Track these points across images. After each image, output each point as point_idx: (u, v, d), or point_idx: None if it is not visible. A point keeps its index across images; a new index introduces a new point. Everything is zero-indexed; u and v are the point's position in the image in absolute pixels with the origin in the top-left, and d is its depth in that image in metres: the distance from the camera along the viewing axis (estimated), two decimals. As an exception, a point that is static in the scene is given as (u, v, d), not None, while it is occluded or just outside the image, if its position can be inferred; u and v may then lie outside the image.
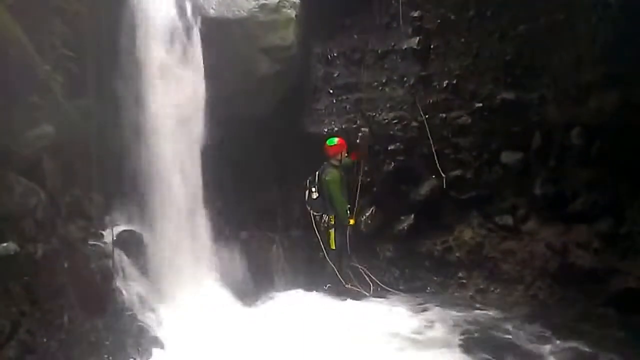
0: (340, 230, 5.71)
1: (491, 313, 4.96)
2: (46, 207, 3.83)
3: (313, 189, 5.72)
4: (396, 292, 5.68)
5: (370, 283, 5.76)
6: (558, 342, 4.18)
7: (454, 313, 4.97)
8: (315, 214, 5.78)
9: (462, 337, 4.39)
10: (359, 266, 5.89)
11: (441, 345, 4.25)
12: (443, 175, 5.55)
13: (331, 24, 6.22)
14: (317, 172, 5.74)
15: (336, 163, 5.71)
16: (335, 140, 5.71)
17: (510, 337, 4.37)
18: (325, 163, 5.73)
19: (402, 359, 4.08)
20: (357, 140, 5.79)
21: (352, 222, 5.69)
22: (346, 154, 5.78)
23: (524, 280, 5.25)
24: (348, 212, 5.71)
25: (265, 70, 5.75)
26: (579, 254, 4.95)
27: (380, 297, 5.57)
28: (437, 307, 5.17)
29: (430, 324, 4.73)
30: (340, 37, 6.23)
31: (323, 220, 5.71)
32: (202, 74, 5.20)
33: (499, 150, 5.53)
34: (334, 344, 4.26)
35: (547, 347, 4.10)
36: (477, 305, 5.19)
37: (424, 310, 5.13)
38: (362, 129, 5.79)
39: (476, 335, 4.44)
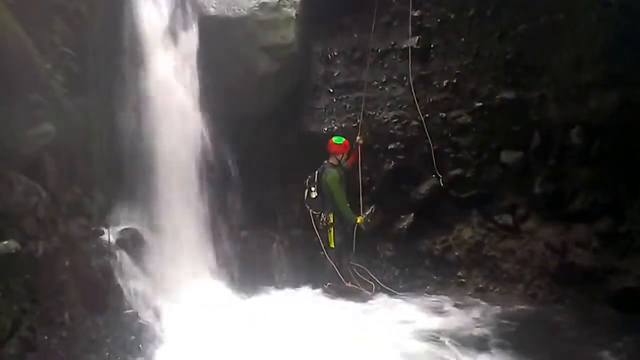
0: (339, 229, 5.73)
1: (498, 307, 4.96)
2: (47, 206, 3.84)
3: (312, 188, 5.73)
4: (396, 291, 5.68)
5: (371, 283, 5.75)
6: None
7: (459, 310, 4.99)
8: (314, 212, 5.80)
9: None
10: (357, 265, 5.89)
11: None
12: (439, 175, 5.54)
13: (331, 23, 6.23)
14: (316, 172, 5.75)
15: (335, 162, 5.72)
16: (342, 140, 5.71)
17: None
18: (325, 162, 5.74)
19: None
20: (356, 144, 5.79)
21: (359, 219, 5.66)
22: (346, 157, 5.79)
23: (523, 279, 5.28)
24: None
25: (266, 69, 5.76)
26: (578, 253, 4.97)
27: (381, 296, 5.57)
28: (439, 305, 5.19)
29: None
30: (340, 36, 6.24)
31: (322, 220, 5.73)
32: (196, 75, 5.20)
33: (498, 150, 5.54)
34: (334, 343, 4.27)
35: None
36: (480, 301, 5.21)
37: (428, 307, 5.15)
38: (358, 137, 5.77)
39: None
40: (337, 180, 5.59)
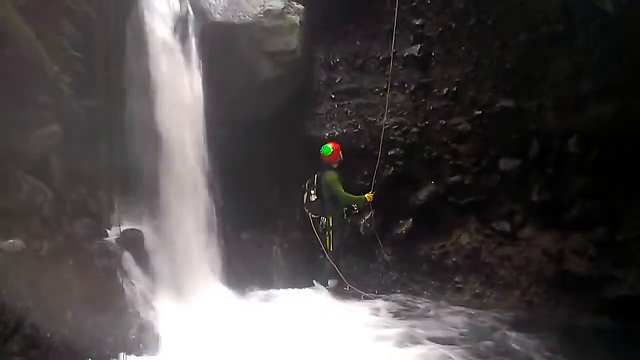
0: (338, 232, 5.80)
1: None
2: (52, 205, 3.90)
3: (312, 192, 5.81)
4: (394, 295, 5.73)
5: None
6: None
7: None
8: (313, 216, 5.87)
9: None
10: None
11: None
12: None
13: (334, 31, 6.30)
14: (315, 175, 5.83)
15: (335, 166, 5.80)
16: (330, 147, 5.78)
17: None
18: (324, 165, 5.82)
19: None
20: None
21: (369, 196, 5.69)
22: (342, 156, 5.84)
23: (519, 285, 5.32)
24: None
25: (269, 74, 5.83)
26: (575, 261, 5.02)
27: (379, 299, 5.62)
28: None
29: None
30: (342, 43, 6.32)
31: (321, 223, 5.80)
32: (199, 79, 5.27)
33: (497, 157, 5.60)
34: (332, 344, 4.32)
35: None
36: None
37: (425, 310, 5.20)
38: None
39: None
40: (337, 179, 5.68)
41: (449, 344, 4.30)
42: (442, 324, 4.84)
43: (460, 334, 4.56)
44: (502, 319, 4.88)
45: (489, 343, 4.33)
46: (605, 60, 4.69)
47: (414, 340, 4.39)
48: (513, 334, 4.48)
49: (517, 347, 4.23)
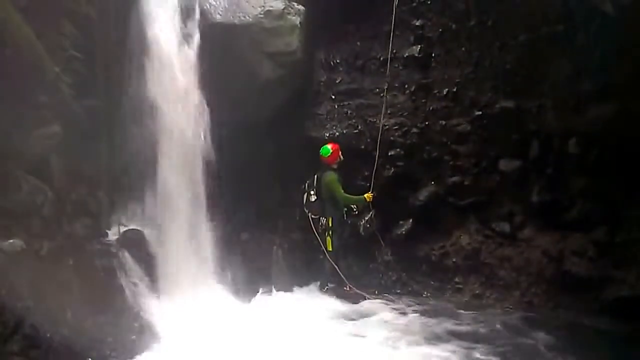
0: (338, 232, 5.80)
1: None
2: (52, 205, 3.92)
3: (312, 192, 5.82)
4: (393, 295, 5.73)
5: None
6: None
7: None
8: (313, 216, 5.87)
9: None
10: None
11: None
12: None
13: (334, 31, 6.31)
14: (315, 175, 5.83)
15: (335, 167, 5.80)
16: (329, 147, 5.77)
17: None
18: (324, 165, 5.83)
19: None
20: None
21: (369, 196, 5.67)
22: (342, 156, 5.84)
23: (519, 286, 5.32)
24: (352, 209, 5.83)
25: (269, 74, 5.83)
26: (575, 262, 5.02)
27: (380, 300, 5.61)
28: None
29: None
30: (343, 44, 6.33)
31: (321, 223, 5.80)
32: (200, 79, 5.28)
33: (497, 158, 5.61)
34: (332, 345, 4.32)
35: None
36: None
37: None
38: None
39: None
40: (336, 180, 5.69)
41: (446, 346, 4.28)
42: (453, 321, 4.83)
43: (458, 335, 4.53)
44: (527, 319, 4.83)
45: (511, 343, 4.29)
46: (605, 61, 4.69)
47: (412, 343, 4.37)
48: (537, 334, 4.43)
49: (542, 347, 4.20)
